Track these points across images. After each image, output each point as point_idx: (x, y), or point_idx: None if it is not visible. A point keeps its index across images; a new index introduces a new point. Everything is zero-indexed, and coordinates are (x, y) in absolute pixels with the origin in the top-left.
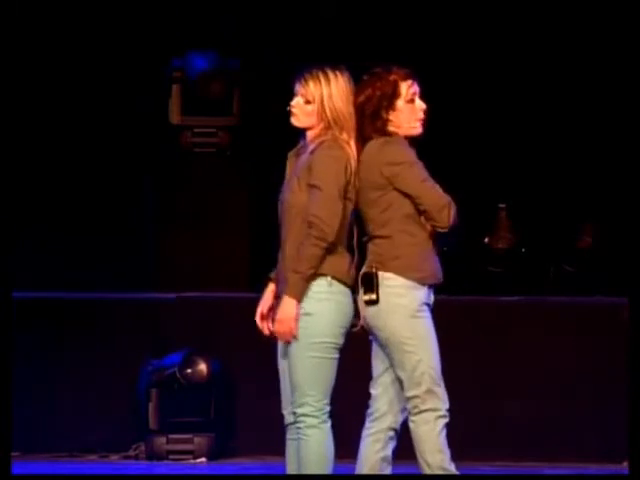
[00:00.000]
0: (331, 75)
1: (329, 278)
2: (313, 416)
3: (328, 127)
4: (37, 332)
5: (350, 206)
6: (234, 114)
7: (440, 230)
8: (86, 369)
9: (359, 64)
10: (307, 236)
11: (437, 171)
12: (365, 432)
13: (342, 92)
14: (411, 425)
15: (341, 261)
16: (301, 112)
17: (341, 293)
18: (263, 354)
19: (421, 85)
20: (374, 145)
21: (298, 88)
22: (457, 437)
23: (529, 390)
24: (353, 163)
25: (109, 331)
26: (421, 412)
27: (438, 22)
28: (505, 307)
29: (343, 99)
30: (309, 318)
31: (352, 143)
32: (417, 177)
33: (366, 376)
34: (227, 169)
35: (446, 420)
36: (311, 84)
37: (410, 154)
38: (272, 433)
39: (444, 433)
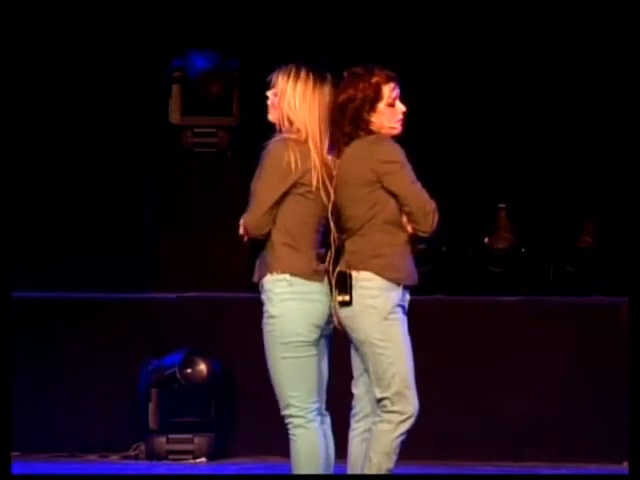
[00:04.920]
0: (303, 74)
1: (288, 276)
2: (298, 416)
3: (287, 122)
4: (37, 332)
5: (306, 202)
6: (234, 114)
7: (421, 234)
8: (86, 369)
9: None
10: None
11: (437, 171)
12: (352, 433)
13: (307, 93)
14: (375, 419)
15: (300, 258)
16: (272, 104)
17: (305, 291)
18: (263, 354)
19: (421, 86)
20: (364, 142)
21: (272, 82)
22: (457, 437)
23: (529, 390)
24: (302, 162)
25: (109, 331)
26: (389, 412)
27: (439, 24)
28: (505, 307)
29: (305, 100)
30: (275, 320)
31: (312, 142)
32: (407, 178)
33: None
34: (227, 169)
35: (409, 424)
36: (279, 78)
37: (402, 154)
38: (272, 433)
39: (402, 438)
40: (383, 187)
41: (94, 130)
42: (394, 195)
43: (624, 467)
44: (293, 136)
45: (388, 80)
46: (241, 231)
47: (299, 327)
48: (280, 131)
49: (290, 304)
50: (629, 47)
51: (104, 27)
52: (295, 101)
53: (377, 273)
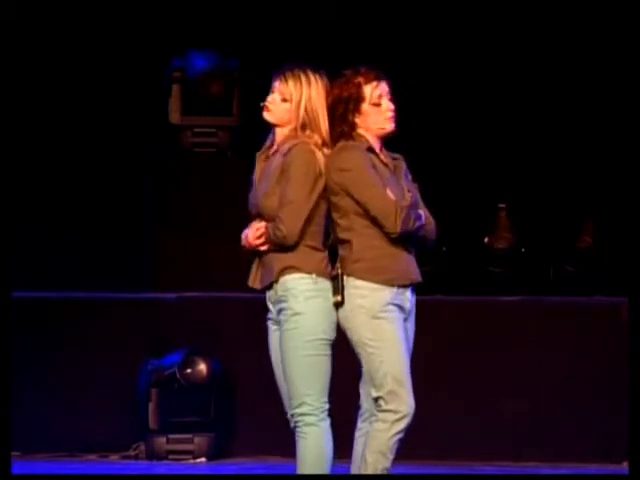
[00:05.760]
0: (312, 77)
1: (314, 276)
2: (311, 414)
3: (300, 128)
4: (37, 332)
5: (325, 205)
6: (234, 114)
7: (391, 236)
8: (86, 369)
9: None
10: (273, 227)
11: (437, 171)
12: (358, 432)
13: (320, 96)
14: (372, 418)
15: (322, 259)
16: (276, 109)
17: (327, 289)
18: (263, 354)
19: (421, 86)
20: (333, 150)
21: (277, 85)
22: (457, 437)
23: (529, 390)
24: (324, 166)
25: (109, 331)
26: (383, 411)
27: (438, 24)
28: (505, 307)
29: (320, 103)
30: (299, 317)
31: (327, 145)
32: (365, 184)
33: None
34: (227, 169)
35: (405, 423)
36: (291, 83)
37: (362, 160)
38: (272, 433)
39: (398, 436)
40: (348, 195)
41: (94, 130)
42: (356, 201)
43: (624, 467)
44: (311, 139)
45: (371, 80)
46: (259, 242)
47: (325, 325)
48: (297, 134)
49: (316, 301)
50: (629, 47)
51: (104, 27)
52: (312, 105)
53: (360, 277)
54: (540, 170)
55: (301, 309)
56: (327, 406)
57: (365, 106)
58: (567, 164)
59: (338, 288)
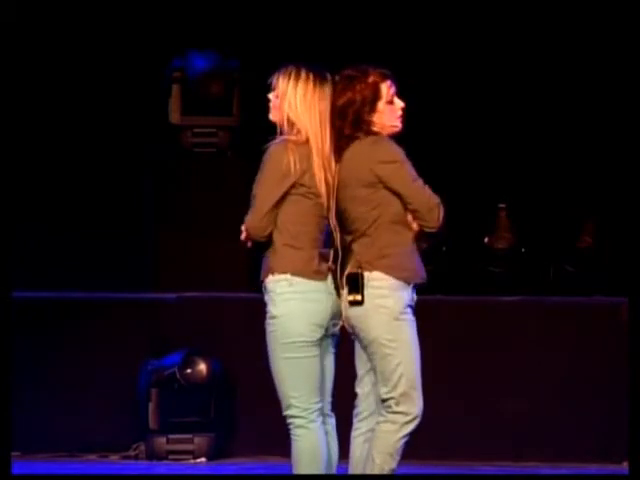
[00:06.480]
0: (303, 75)
1: (289, 276)
2: (299, 417)
3: (287, 125)
4: (37, 332)
5: (307, 202)
6: (234, 114)
7: (428, 230)
8: (86, 369)
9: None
10: None
11: (437, 171)
12: (354, 432)
13: (308, 94)
14: (379, 418)
15: (302, 258)
16: (273, 106)
17: (306, 290)
18: (263, 354)
19: (421, 86)
20: (363, 143)
21: (273, 82)
22: (457, 437)
23: (529, 390)
24: (301, 163)
25: (109, 331)
26: (393, 413)
27: (439, 24)
28: (505, 307)
29: (306, 101)
30: (276, 320)
31: (313, 143)
32: (409, 176)
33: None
34: (227, 169)
35: (414, 425)
36: (280, 79)
37: (401, 153)
38: (272, 433)
39: (405, 439)
40: (386, 187)
41: (94, 130)
42: (397, 194)
43: (624, 467)
44: (293, 138)
45: (384, 78)
46: (243, 236)
47: (301, 327)
48: (281, 133)
49: (291, 304)
50: (629, 47)
51: (104, 27)
52: (296, 102)
53: (387, 273)
54: (540, 170)
55: (277, 312)
56: (317, 406)
57: (381, 105)
58: (567, 164)
59: (358, 287)
